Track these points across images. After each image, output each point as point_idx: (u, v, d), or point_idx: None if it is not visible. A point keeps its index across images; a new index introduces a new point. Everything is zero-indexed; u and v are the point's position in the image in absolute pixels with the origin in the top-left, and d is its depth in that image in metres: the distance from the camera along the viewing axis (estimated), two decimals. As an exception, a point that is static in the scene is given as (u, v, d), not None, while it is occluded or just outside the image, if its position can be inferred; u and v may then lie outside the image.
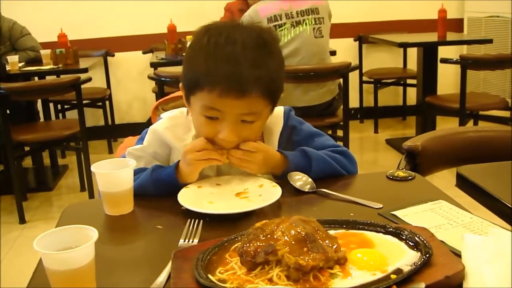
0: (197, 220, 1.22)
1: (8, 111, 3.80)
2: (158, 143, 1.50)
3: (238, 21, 1.44)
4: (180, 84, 1.46)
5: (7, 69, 4.17)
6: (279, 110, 1.54)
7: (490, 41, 4.74)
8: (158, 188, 1.42)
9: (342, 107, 3.88)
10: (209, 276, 0.96)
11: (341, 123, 3.86)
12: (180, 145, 1.47)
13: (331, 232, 1.06)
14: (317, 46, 3.82)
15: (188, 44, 1.47)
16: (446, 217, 1.20)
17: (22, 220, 3.85)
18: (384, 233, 1.07)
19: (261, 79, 1.33)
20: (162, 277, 1.00)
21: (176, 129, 1.50)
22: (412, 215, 1.22)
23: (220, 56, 1.32)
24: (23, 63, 4.40)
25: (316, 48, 3.82)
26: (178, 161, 1.43)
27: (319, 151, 1.49)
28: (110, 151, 5.32)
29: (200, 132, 1.43)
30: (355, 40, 5.78)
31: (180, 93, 1.49)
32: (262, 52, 1.36)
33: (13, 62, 4.19)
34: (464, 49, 5.67)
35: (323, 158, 1.48)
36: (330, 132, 3.98)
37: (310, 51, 3.79)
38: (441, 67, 4.70)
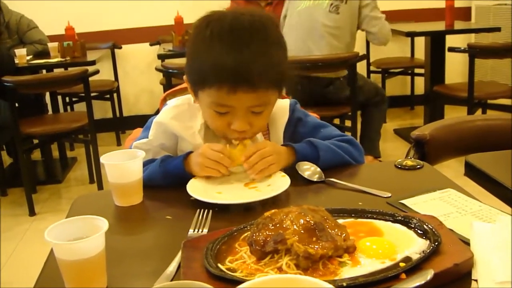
0: (206, 210, 1.23)
1: (16, 104, 3.82)
2: (164, 135, 1.49)
3: (239, 10, 1.43)
4: (184, 77, 1.45)
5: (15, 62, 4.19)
6: (285, 103, 1.54)
7: (498, 29, 4.71)
8: (166, 179, 1.43)
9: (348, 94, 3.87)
10: (219, 265, 0.96)
11: (349, 113, 3.86)
12: (187, 134, 1.47)
13: (340, 221, 1.07)
14: (329, 20, 3.82)
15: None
16: (455, 205, 1.20)
17: (32, 213, 3.87)
18: (393, 221, 1.07)
19: (268, 71, 1.32)
20: (172, 267, 1.00)
21: (181, 118, 1.48)
22: (421, 204, 1.22)
23: (226, 52, 1.30)
24: (30, 56, 4.41)
25: (328, 22, 3.82)
26: (187, 153, 1.44)
27: (326, 141, 1.50)
28: (119, 143, 5.34)
29: (210, 124, 1.43)
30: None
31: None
32: (266, 42, 1.35)
33: (21, 55, 4.20)
34: (472, 38, 5.64)
35: (330, 148, 1.48)
36: (338, 122, 3.97)
37: (320, 23, 3.81)
38: (449, 56, 4.68)
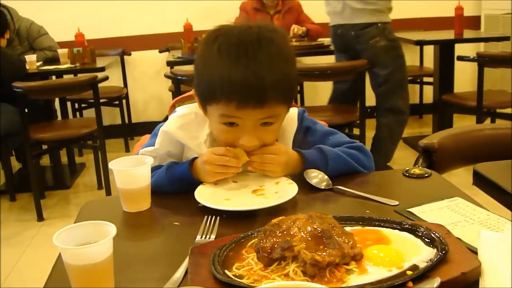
0: (214, 217, 1.23)
1: (26, 110, 3.84)
2: (170, 143, 1.49)
3: (247, 23, 1.40)
4: (193, 91, 1.46)
5: (25, 68, 4.21)
6: (293, 112, 1.54)
7: (507, 38, 4.70)
8: (173, 185, 1.43)
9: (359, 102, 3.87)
10: (226, 271, 0.96)
11: (358, 121, 3.86)
12: (194, 143, 1.47)
13: (347, 228, 1.07)
14: None
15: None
16: (463, 214, 1.19)
17: (40, 218, 3.88)
18: (400, 229, 1.07)
19: (278, 85, 1.32)
20: (179, 273, 1.01)
21: (188, 128, 1.48)
22: (428, 212, 1.22)
23: (234, 66, 1.29)
24: (40, 62, 4.43)
25: None
26: (193, 158, 1.44)
27: (335, 148, 1.50)
28: (127, 149, 5.36)
29: (219, 138, 1.43)
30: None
31: None
32: (276, 57, 1.33)
33: (31, 61, 4.22)
34: (481, 47, 5.63)
35: (339, 156, 1.48)
36: (346, 130, 3.97)
37: None
38: (458, 64, 4.68)
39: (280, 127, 1.44)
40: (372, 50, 3.91)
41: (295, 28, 4.74)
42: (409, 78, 5.65)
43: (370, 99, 5.42)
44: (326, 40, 4.71)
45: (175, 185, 1.43)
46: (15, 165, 4.81)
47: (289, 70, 1.37)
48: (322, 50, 4.53)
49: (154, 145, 1.49)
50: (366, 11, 3.89)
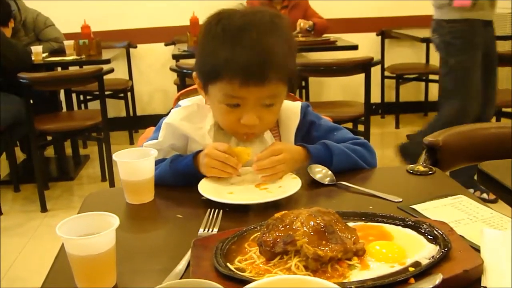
0: (217, 210, 1.23)
1: (31, 101, 3.84)
2: (174, 136, 1.50)
3: (248, 8, 1.45)
4: (194, 74, 1.47)
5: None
6: (296, 105, 1.55)
7: (513, 37, 4.69)
8: (176, 178, 1.44)
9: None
10: (228, 264, 0.97)
11: (362, 118, 3.85)
12: (197, 134, 1.48)
13: (350, 224, 1.07)
14: None
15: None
16: (466, 212, 1.19)
17: (44, 209, 3.89)
18: (403, 226, 1.07)
19: (279, 65, 1.35)
20: (181, 265, 1.01)
21: (191, 119, 1.50)
22: (432, 210, 1.22)
23: (237, 45, 1.33)
24: (46, 54, 4.43)
25: None
26: (197, 152, 1.44)
27: (340, 144, 1.50)
28: (131, 142, 5.36)
29: (221, 120, 1.45)
30: (377, 35, 5.75)
31: None
32: (277, 38, 1.36)
33: (37, 52, 4.22)
34: (487, 45, 5.60)
35: (344, 151, 1.48)
36: (351, 126, 3.97)
37: None
38: (464, 63, 4.65)
39: (279, 109, 1.45)
40: None
41: (301, 23, 4.73)
42: (415, 75, 5.65)
43: (375, 95, 5.43)
44: (332, 36, 4.70)
45: (179, 178, 1.43)
46: (20, 155, 4.82)
47: (288, 50, 1.40)
48: (328, 46, 4.52)
49: (158, 139, 1.50)
50: None
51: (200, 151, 1.43)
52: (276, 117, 1.47)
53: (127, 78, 5.55)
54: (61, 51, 4.54)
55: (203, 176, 1.41)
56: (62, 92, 4.98)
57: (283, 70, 1.37)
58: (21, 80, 3.64)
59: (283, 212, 1.03)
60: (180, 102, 1.57)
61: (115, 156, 1.36)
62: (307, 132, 1.57)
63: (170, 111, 1.56)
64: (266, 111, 1.40)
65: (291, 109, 1.53)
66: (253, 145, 1.48)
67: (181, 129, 1.49)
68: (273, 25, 1.38)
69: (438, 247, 0.97)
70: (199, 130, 1.48)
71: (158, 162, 1.45)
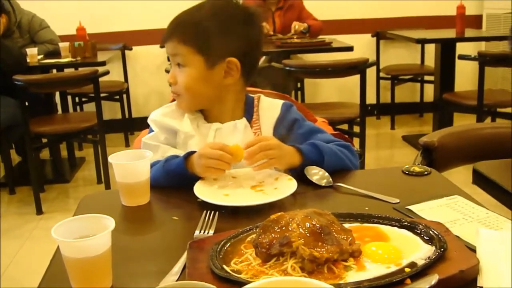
0: (213, 212, 1.23)
1: (26, 103, 3.83)
2: (162, 130, 1.58)
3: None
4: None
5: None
6: (278, 101, 1.64)
7: (508, 37, 4.69)
8: (169, 179, 1.44)
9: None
10: (224, 266, 0.96)
11: (358, 119, 3.86)
12: (181, 126, 1.56)
13: (346, 225, 1.07)
14: None
15: None
16: (462, 212, 1.19)
17: (39, 211, 3.88)
18: (399, 227, 1.07)
19: (184, 29, 1.53)
20: (177, 267, 1.01)
21: (170, 115, 1.60)
22: (428, 210, 1.22)
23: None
24: (41, 56, 4.42)
25: None
26: (188, 152, 1.45)
27: (328, 144, 1.51)
28: (127, 144, 5.36)
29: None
30: (372, 36, 5.76)
31: None
32: (199, 14, 1.55)
33: (32, 54, 4.21)
34: (482, 46, 5.63)
35: (335, 152, 1.49)
36: (346, 127, 3.97)
37: None
38: (459, 63, 4.67)
39: (191, 75, 1.54)
40: None
41: (296, 25, 4.73)
42: (410, 76, 5.67)
43: (371, 96, 5.44)
44: (327, 37, 4.70)
45: (171, 179, 1.44)
46: (15, 158, 4.81)
47: (208, 24, 1.52)
48: (323, 47, 4.52)
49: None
50: None
51: (192, 152, 1.43)
52: (187, 82, 1.54)
53: (123, 80, 5.55)
54: (56, 53, 4.53)
55: (195, 177, 1.41)
56: (57, 94, 4.97)
57: (187, 36, 1.52)
58: (17, 82, 3.64)
59: (279, 213, 1.02)
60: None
61: (110, 158, 1.36)
62: (289, 128, 1.59)
63: None
64: (179, 72, 1.55)
65: (273, 103, 1.63)
66: (233, 136, 1.54)
67: (165, 122, 1.58)
68: (217, 5, 1.57)
69: (434, 248, 0.97)
70: (181, 122, 1.57)
71: (154, 164, 1.46)
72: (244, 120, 1.57)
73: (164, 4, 5.43)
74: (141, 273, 1.04)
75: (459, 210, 1.20)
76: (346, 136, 1.72)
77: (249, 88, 1.69)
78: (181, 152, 1.49)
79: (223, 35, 1.53)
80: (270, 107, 1.62)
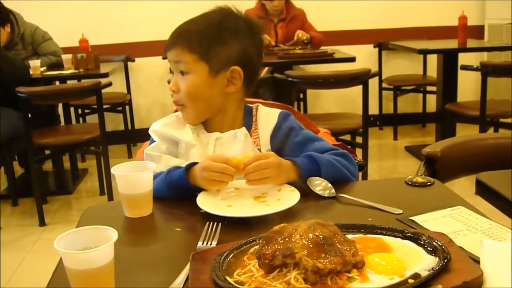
0: (215, 223, 1.23)
1: (29, 115, 3.84)
2: (163, 140, 1.59)
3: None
4: None
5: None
6: (276, 110, 1.66)
7: (511, 48, 4.70)
8: (171, 191, 1.44)
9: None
10: (227, 278, 0.96)
11: (360, 130, 3.86)
12: (182, 135, 1.58)
13: (349, 236, 1.06)
14: None
15: None
16: (465, 223, 1.19)
17: (42, 223, 3.88)
18: (402, 238, 1.07)
19: (188, 38, 1.54)
20: (180, 279, 1.01)
21: (171, 125, 1.62)
22: (431, 221, 1.21)
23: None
24: (44, 68, 4.44)
25: None
26: (189, 164, 1.45)
27: (324, 154, 1.51)
28: (130, 155, 5.36)
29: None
30: (374, 47, 5.77)
31: None
32: (201, 23, 1.57)
33: (35, 66, 4.23)
34: (484, 56, 5.64)
35: (331, 162, 1.49)
36: (349, 138, 3.97)
37: None
38: (461, 74, 4.68)
39: (193, 83, 1.55)
40: None
41: (300, 33, 4.75)
42: (413, 87, 5.67)
43: (373, 107, 5.44)
44: (329, 48, 4.71)
45: (173, 190, 1.44)
46: (18, 169, 4.81)
47: (213, 32, 1.55)
48: (325, 58, 4.53)
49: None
50: None
51: (194, 163, 1.44)
52: (190, 90, 1.56)
53: (125, 91, 5.56)
54: (59, 65, 4.54)
55: (197, 189, 1.41)
56: (60, 106, 4.99)
57: (192, 43, 1.53)
58: (19, 94, 3.65)
59: (282, 224, 1.02)
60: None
61: (113, 170, 1.36)
62: (286, 136, 1.60)
63: None
64: (182, 80, 1.56)
65: (271, 112, 1.65)
66: (233, 145, 1.56)
67: (166, 132, 1.60)
68: (220, 14, 1.58)
69: (437, 259, 0.97)
70: (179, 131, 1.59)
71: (157, 175, 1.46)
72: (243, 129, 1.58)
73: (166, 16, 5.46)
74: (144, 284, 1.04)
75: (462, 221, 1.20)
76: (349, 146, 1.72)
77: (251, 99, 1.70)
78: (183, 162, 1.49)
79: (228, 44, 1.54)
80: (267, 116, 1.63)
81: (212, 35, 1.54)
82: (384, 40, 5.61)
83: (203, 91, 1.55)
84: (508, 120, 4.40)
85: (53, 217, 4.03)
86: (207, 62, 1.53)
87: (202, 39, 1.54)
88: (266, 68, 4.27)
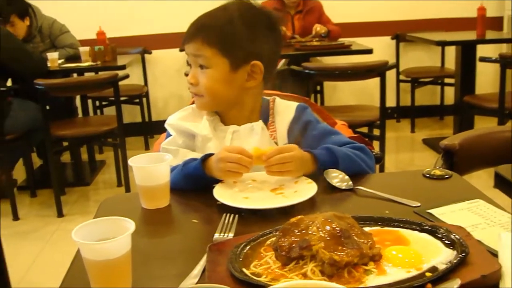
0: (232, 215, 1.23)
1: (47, 107, 3.87)
2: (180, 133, 1.59)
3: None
4: None
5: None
6: (293, 103, 1.65)
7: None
8: (187, 182, 1.45)
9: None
10: (244, 269, 0.96)
11: (378, 122, 3.84)
12: (194, 126, 1.58)
13: (366, 229, 1.06)
14: None
15: None
16: (483, 216, 1.18)
17: (60, 214, 3.91)
18: (420, 231, 1.06)
19: (209, 31, 1.52)
20: (197, 270, 1.01)
21: (187, 118, 1.62)
22: (449, 214, 1.21)
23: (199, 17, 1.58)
24: (62, 60, 4.46)
25: None
26: (205, 155, 1.45)
27: (341, 147, 1.50)
28: (147, 147, 5.38)
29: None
30: (392, 39, 5.74)
31: None
32: (221, 16, 1.54)
33: (53, 59, 4.25)
34: (503, 48, 5.58)
35: (349, 155, 1.48)
36: (366, 130, 3.95)
37: None
38: (479, 66, 4.63)
39: (214, 78, 1.53)
40: None
41: (318, 27, 4.73)
42: (430, 79, 5.63)
43: (391, 99, 5.42)
44: (346, 40, 4.69)
45: (190, 181, 1.44)
46: (36, 161, 4.85)
47: (234, 26, 1.52)
48: (342, 50, 4.51)
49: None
50: None
51: (210, 154, 1.44)
52: (210, 84, 1.54)
53: (142, 83, 5.58)
54: (77, 58, 4.56)
55: (213, 180, 1.42)
56: (78, 98, 5.01)
57: (212, 38, 1.50)
58: (38, 87, 3.67)
59: (299, 217, 1.02)
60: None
61: (130, 161, 1.36)
62: (303, 130, 1.59)
63: None
64: (201, 73, 1.53)
65: (288, 105, 1.64)
66: (250, 138, 1.55)
67: (182, 126, 1.59)
68: (232, 9, 1.55)
69: (455, 252, 0.96)
70: (195, 124, 1.59)
71: (174, 168, 1.47)
72: (260, 122, 1.57)
73: (183, 8, 5.45)
74: (160, 275, 1.05)
75: (480, 214, 1.19)
76: (366, 139, 1.71)
77: (268, 91, 1.69)
78: (199, 155, 1.49)
79: (249, 38, 1.53)
80: (285, 109, 1.63)
81: (232, 30, 1.52)
82: (402, 32, 5.57)
83: (222, 86, 1.54)
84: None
85: (71, 208, 4.06)
86: (228, 57, 1.51)
87: (222, 33, 1.51)
88: (283, 60, 4.26)
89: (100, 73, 4.39)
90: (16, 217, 3.89)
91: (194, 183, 1.44)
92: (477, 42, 4.70)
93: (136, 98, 5.39)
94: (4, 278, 2.11)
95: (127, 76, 4.06)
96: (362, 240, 0.97)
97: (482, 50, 4.68)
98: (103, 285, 0.96)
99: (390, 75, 4.83)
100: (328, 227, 0.97)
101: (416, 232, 1.06)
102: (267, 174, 1.41)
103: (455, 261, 0.93)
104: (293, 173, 1.41)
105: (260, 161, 1.39)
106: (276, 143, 1.56)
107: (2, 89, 3.72)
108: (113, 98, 4.21)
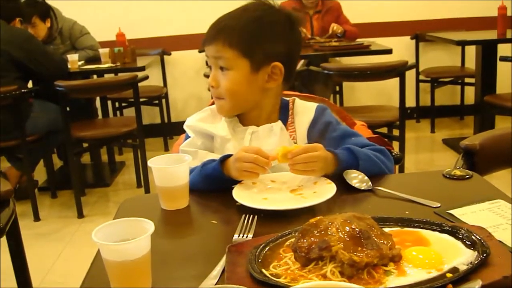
0: (251, 216, 1.23)
1: (67, 109, 3.90)
2: (198, 135, 1.59)
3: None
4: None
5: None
6: (313, 104, 1.64)
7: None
8: (206, 183, 1.45)
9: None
10: (263, 270, 0.96)
11: (397, 123, 3.82)
12: (213, 127, 1.58)
13: (386, 229, 1.05)
14: None
15: None
16: (505, 216, 1.17)
17: (80, 215, 3.94)
18: (440, 231, 1.06)
19: (230, 32, 1.51)
20: (216, 271, 1.01)
21: (205, 119, 1.62)
22: (470, 214, 1.20)
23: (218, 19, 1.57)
24: (82, 62, 4.49)
25: None
26: (224, 155, 1.45)
27: (362, 148, 1.50)
28: (166, 148, 5.40)
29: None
30: (411, 38, 5.70)
31: None
32: (241, 17, 1.54)
33: (73, 60, 4.28)
34: (525, 47, 5.52)
35: (370, 157, 1.48)
36: (386, 131, 3.93)
37: None
38: (500, 65, 4.59)
39: (235, 79, 1.53)
40: None
41: (334, 26, 4.72)
42: (450, 78, 5.58)
43: (410, 99, 5.39)
44: (365, 40, 4.67)
45: (208, 182, 1.45)
46: (57, 162, 4.89)
47: (254, 28, 1.52)
48: (362, 50, 4.49)
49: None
50: None
51: (229, 155, 1.44)
52: (231, 86, 1.54)
53: (162, 85, 5.60)
54: (96, 59, 4.60)
55: (231, 180, 1.42)
56: (98, 99, 5.04)
57: (233, 39, 1.50)
58: (58, 88, 3.70)
59: (318, 217, 1.02)
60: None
61: (150, 163, 1.37)
62: (323, 131, 1.58)
63: None
64: (222, 75, 1.53)
65: (307, 106, 1.63)
66: (269, 139, 1.55)
67: (201, 127, 1.60)
68: (252, 10, 1.56)
69: (476, 253, 0.95)
70: (214, 125, 1.59)
71: (193, 170, 1.47)
72: (279, 122, 1.57)
73: (202, 10, 5.47)
74: (180, 276, 1.05)
75: (502, 215, 1.18)
76: (386, 140, 1.70)
77: (287, 92, 1.69)
78: (218, 156, 1.49)
79: (269, 39, 1.53)
80: (304, 110, 1.62)
81: (253, 31, 1.52)
82: (421, 32, 5.54)
83: (244, 88, 1.54)
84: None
85: (91, 209, 4.09)
86: (249, 58, 1.51)
87: (243, 35, 1.51)
88: (302, 61, 4.25)
89: (119, 74, 4.43)
90: (37, 218, 3.92)
91: (213, 184, 1.44)
92: (497, 41, 4.66)
93: (155, 99, 5.41)
94: (25, 279, 2.13)
95: (146, 78, 4.08)
96: (382, 241, 0.97)
97: (503, 50, 4.64)
98: (123, 285, 0.97)
99: (410, 75, 4.80)
100: (347, 228, 0.97)
101: (436, 232, 1.06)
102: (291, 172, 1.41)
103: (476, 262, 0.92)
104: (316, 172, 1.41)
105: (285, 159, 1.39)
106: (296, 144, 1.56)
107: (23, 90, 3.75)
108: (132, 100, 4.23)
